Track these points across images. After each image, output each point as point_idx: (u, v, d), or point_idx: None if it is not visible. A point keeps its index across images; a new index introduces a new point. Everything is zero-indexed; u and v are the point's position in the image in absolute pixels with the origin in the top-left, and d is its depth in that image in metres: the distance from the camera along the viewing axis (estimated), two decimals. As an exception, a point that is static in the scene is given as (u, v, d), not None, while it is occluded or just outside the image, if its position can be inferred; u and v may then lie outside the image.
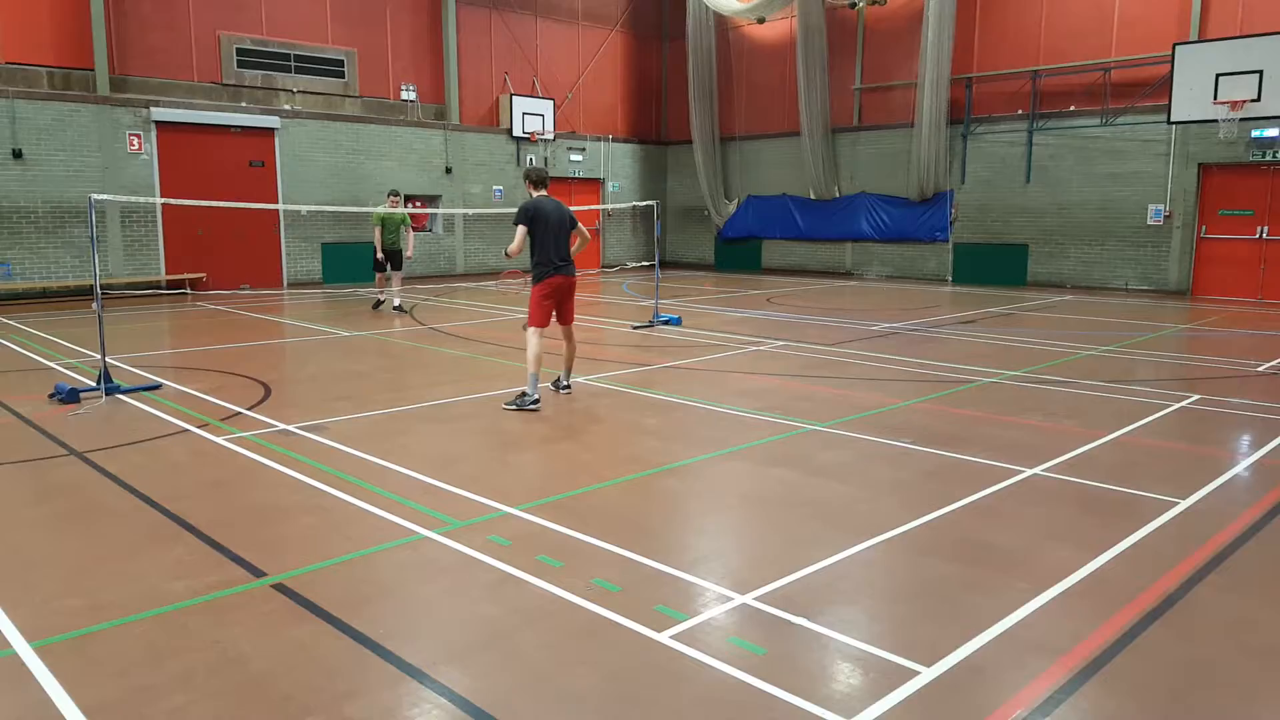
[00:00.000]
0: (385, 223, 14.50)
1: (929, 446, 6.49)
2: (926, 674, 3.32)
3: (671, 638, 3.59)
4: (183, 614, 3.81)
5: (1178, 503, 5.26)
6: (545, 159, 23.88)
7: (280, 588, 4.08)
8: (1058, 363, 10.03)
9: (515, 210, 7.88)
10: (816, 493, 5.54)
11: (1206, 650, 3.55)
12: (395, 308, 14.76)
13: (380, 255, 14.50)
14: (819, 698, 3.17)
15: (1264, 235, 17.09)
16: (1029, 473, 5.85)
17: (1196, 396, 8.21)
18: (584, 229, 8.21)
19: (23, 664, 3.39)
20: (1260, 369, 9.76)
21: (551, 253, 7.84)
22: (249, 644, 3.55)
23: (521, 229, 7.73)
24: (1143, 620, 3.77)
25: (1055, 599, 3.97)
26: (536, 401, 7.65)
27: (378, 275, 14.95)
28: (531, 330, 7.87)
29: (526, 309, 8.15)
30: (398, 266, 14.74)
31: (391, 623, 3.76)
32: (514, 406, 7.61)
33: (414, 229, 21.57)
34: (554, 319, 8.16)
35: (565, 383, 8.33)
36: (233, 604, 3.91)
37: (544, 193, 8.04)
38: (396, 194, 15.09)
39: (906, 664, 3.39)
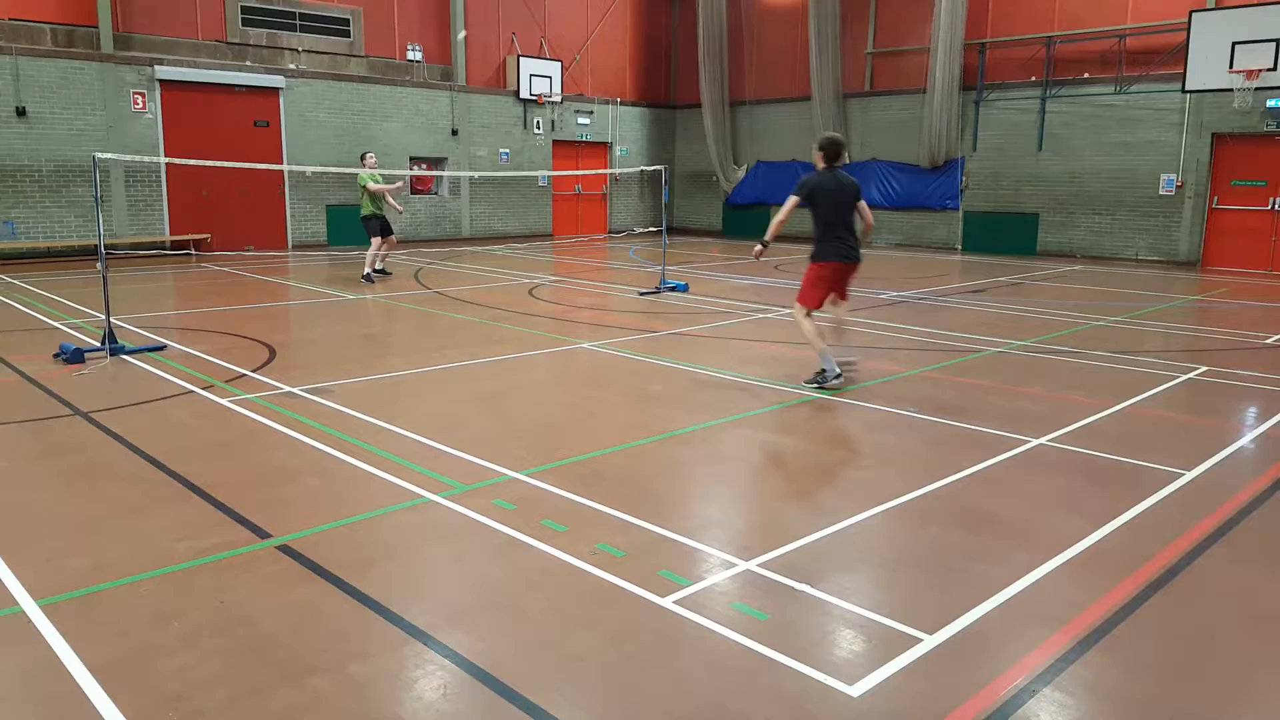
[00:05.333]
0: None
1: (935, 415, 6.47)
2: (929, 641, 3.33)
3: (675, 603, 3.60)
4: (187, 574, 3.83)
5: (1183, 474, 5.24)
6: (553, 122, 23.66)
7: (285, 549, 4.09)
8: (1066, 333, 9.98)
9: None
10: (821, 460, 5.53)
11: (1208, 620, 3.55)
12: (378, 270, 14.14)
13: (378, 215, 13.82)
14: (821, 663, 3.18)
15: (1276, 206, 16.89)
16: (1035, 443, 5.84)
17: (1204, 368, 8.17)
18: (866, 210, 7.34)
19: (29, 621, 3.42)
20: (1269, 341, 9.69)
21: (835, 231, 7.12)
22: (254, 605, 3.57)
23: (793, 199, 7.04)
24: (1145, 590, 3.77)
25: (1059, 568, 3.97)
26: (839, 375, 7.07)
27: (374, 240, 13.95)
28: (799, 309, 7.25)
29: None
30: (389, 231, 14.13)
31: (396, 585, 3.78)
32: (814, 384, 7.12)
33: (419, 190, 21.54)
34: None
35: (848, 358, 7.53)
36: (237, 565, 3.93)
37: (835, 166, 7.17)
38: (372, 154, 14.35)
39: (909, 631, 3.40)
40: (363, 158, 14.15)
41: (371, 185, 13.68)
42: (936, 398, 7.01)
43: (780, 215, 7.17)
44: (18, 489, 4.92)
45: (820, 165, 7.20)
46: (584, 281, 14.75)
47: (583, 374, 7.85)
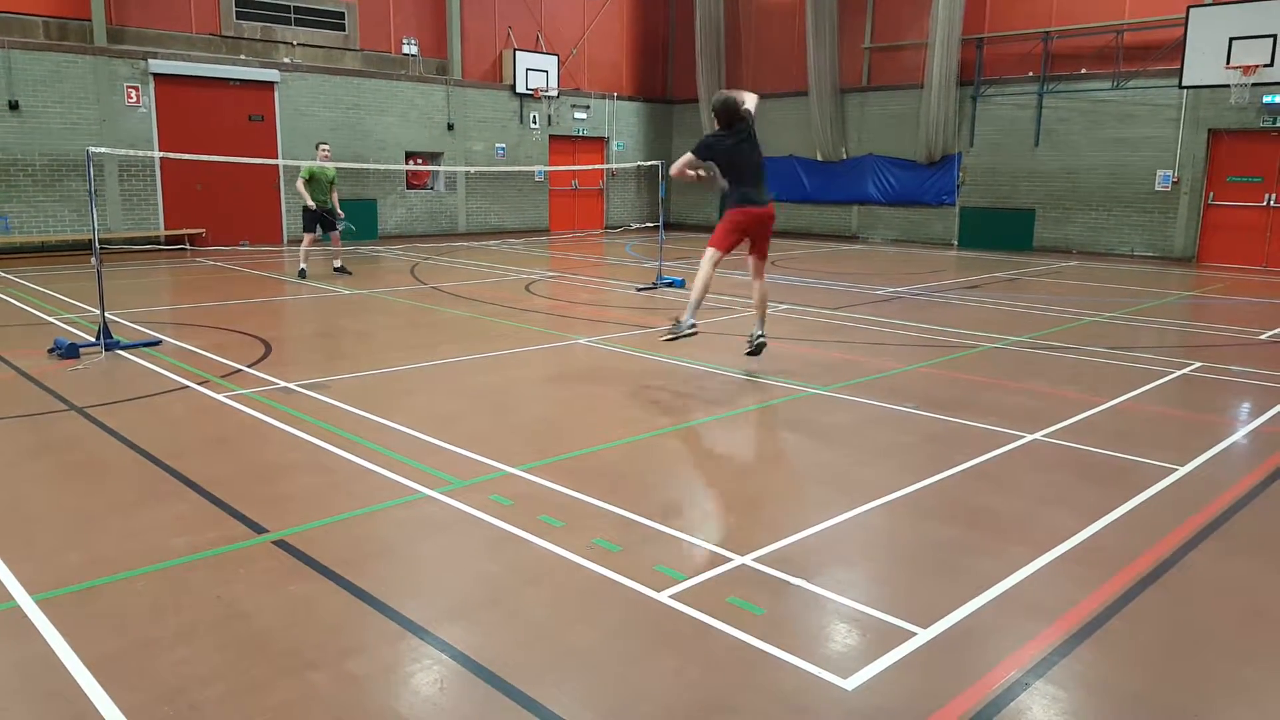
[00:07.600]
0: (314, 178, 13.56)
1: (931, 411, 6.48)
2: (923, 635, 3.34)
3: (670, 597, 3.61)
4: (184, 569, 3.83)
5: (1176, 469, 5.26)
6: (549, 116, 23.61)
7: (282, 544, 4.09)
8: (1061, 329, 10.00)
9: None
10: (817, 455, 5.55)
11: (1201, 614, 3.57)
12: (336, 268, 14.11)
13: (312, 208, 13.66)
14: (816, 657, 3.19)
15: (1271, 202, 16.93)
16: (1029, 438, 5.85)
17: (1199, 364, 8.19)
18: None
19: (25, 616, 3.42)
20: (1263, 337, 9.72)
21: (742, 185, 7.35)
22: (251, 600, 3.57)
23: (690, 155, 7.34)
24: (1138, 584, 3.79)
25: (1052, 563, 3.99)
26: (693, 327, 7.32)
27: (306, 235, 13.88)
28: (711, 254, 7.41)
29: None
30: (331, 227, 13.89)
31: (393, 580, 3.78)
32: (670, 336, 7.36)
33: (415, 185, 21.50)
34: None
35: (759, 333, 7.59)
36: (234, 560, 3.93)
37: (736, 127, 7.31)
38: (327, 145, 14.14)
39: (903, 625, 3.41)
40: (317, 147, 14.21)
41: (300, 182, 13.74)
42: (932, 393, 7.02)
43: (681, 161, 7.37)
44: (13, 484, 4.91)
45: (719, 128, 7.43)
46: (581, 277, 14.74)
47: (579, 369, 7.86)
